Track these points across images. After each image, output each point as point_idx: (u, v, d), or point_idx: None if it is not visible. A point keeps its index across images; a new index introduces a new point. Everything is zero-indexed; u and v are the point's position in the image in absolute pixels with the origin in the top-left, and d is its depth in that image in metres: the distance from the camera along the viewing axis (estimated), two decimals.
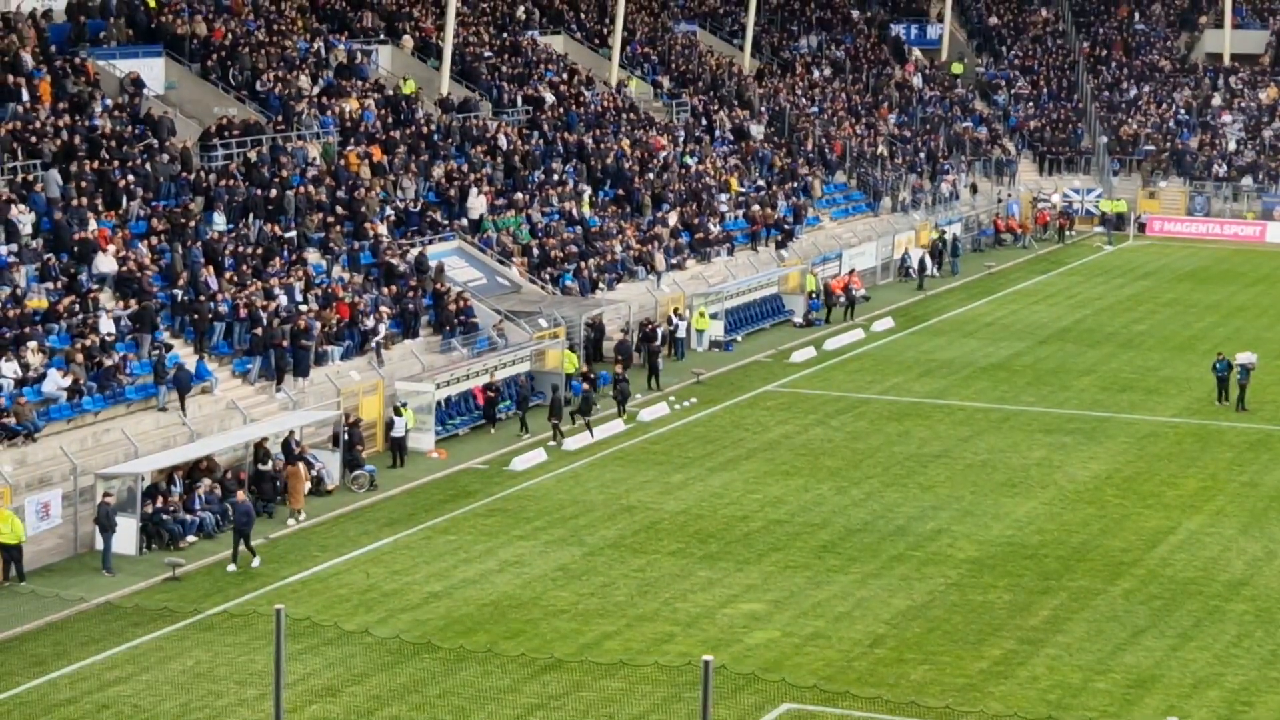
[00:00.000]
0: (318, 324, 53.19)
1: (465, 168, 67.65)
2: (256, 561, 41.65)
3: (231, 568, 41.43)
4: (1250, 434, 54.28)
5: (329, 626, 36.72)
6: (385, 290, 57.30)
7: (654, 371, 59.73)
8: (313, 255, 57.58)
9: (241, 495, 42.84)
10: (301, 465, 46.29)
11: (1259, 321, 72.29)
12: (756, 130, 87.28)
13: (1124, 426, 55.12)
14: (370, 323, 54.92)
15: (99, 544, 41.47)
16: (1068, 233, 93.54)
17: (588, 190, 72.10)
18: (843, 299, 72.19)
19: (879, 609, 38.78)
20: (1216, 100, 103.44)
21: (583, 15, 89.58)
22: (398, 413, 50.48)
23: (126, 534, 42.03)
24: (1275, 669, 35.45)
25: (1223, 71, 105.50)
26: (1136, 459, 51.40)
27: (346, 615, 37.95)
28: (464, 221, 64.90)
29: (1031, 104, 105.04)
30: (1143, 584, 40.60)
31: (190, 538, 43.24)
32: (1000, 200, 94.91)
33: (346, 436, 48.74)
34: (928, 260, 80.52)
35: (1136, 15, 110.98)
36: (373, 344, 54.51)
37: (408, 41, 75.47)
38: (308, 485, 46.47)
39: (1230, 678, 34.98)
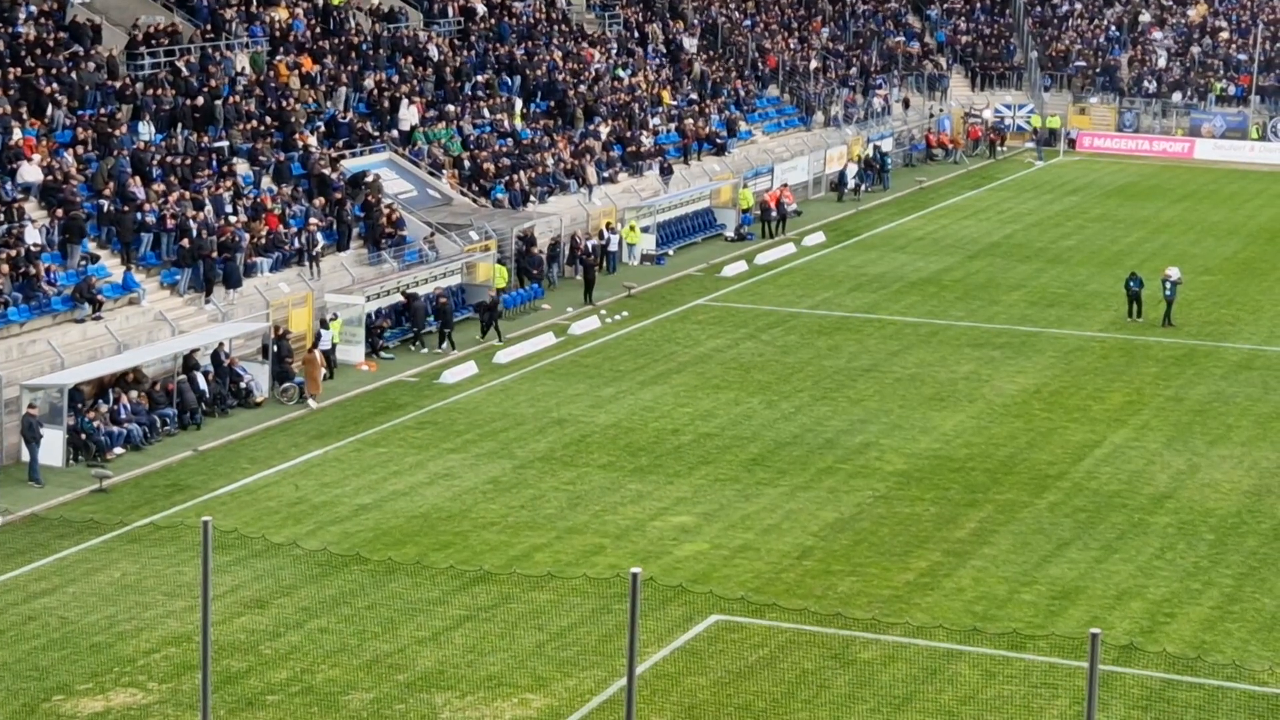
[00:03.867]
0: (246, 235, 52.85)
1: (396, 79, 67.18)
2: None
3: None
4: (1175, 349, 54.68)
5: (257, 539, 36.67)
6: (315, 202, 56.94)
7: (589, 285, 59.67)
8: (241, 166, 57.14)
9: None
10: (319, 353, 48.13)
11: (1185, 237, 72.73)
12: (689, 43, 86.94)
13: (1051, 341, 55.45)
14: (303, 238, 54.57)
15: (25, 455, 41.23)
16: (999, 148, 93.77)
17: (519, 102, 71.72)
18: (774, 213, 72.20)
19: (807, 521, 38.99)
20: (1146, 17, 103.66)
21: None
22: (325, 325, 50.28)
23: (53, 446, 41.79)
24: (1197, 581, 35.85)
25: None
26: (1063, 373, 51.73)
27: (275, 528, 37.90)
28: (394, 133, 64.50)
29: (963, 19, 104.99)
30: (1068, 497, 40.94)
31: (118, 449, 43.03)
32: (932, 115, 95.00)
33: (275, 349, 48.54)
34: (849, 172, 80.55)
35: None
36: (311, 255, 54.20)
37: None
38: (324, 372, 48.19)
39: (1153, 589, 35.35)
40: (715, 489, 41.11)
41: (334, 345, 50.28)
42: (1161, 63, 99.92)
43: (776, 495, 40.76)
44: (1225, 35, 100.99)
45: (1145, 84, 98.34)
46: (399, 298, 54.07)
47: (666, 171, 71.16)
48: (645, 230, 66.74)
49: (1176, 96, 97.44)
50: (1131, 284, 57.99)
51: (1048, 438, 45.54)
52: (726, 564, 36.36)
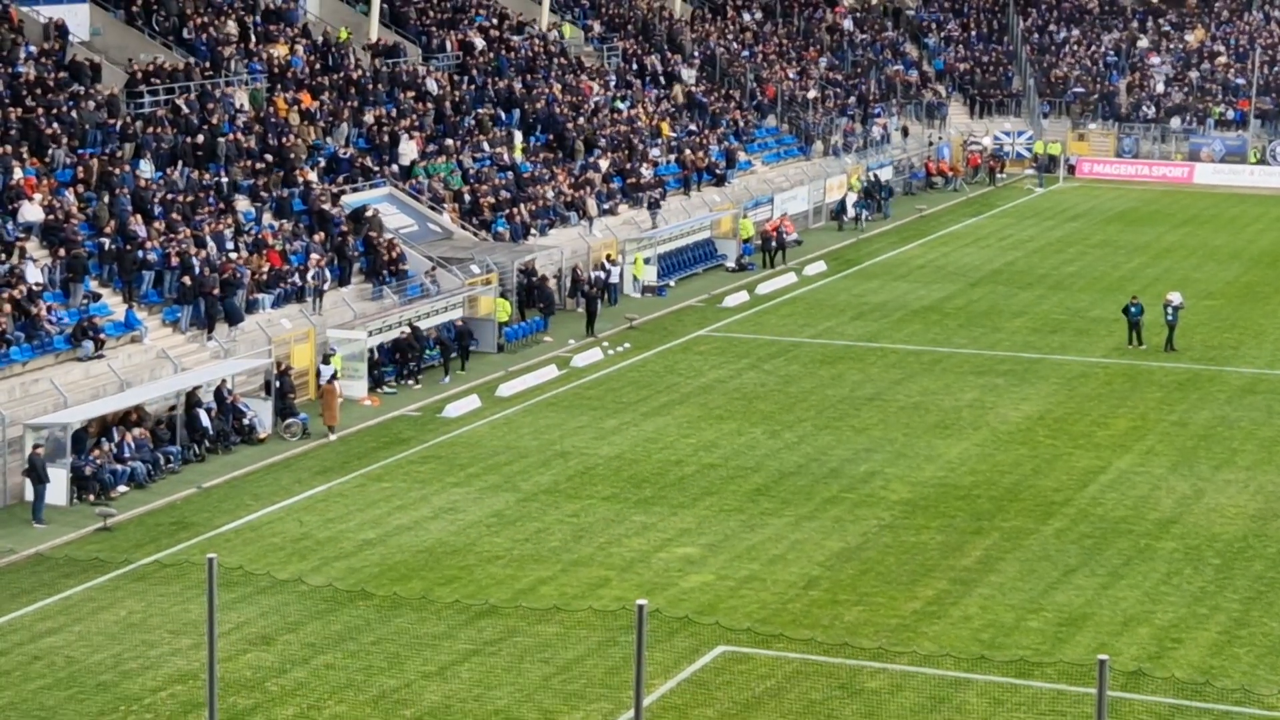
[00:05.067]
0: (248, 271, 52.88)
1: (395, 113, 67.29)
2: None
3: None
4: (1178, 374, 54.65)
5: (262, 575, 36.60)
6: (316, 237, 56.97)
7: (591, 317, 59.68)
8: (242, 202, 57.19)
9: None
10: (336, 384, 48.58)
11: (1187, 262, 72.73)
12: (688, 75, 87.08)
13: (1055, 367, 55.41)
14: (309, 274, 54.54)
15: (29, 495, 41.19)
16: (998, 175, 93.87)
17: (519, 135, 71.81)
18: (774, 243, 72.22)
19: (813, 551, 38.93)
20: (1144, 42, 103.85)
21: None
22: (326, 360, 50.26)
23: (57, 484, 41.73)
24: (1204, 606, 35.78)
25: (1151, 13, 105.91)
26: (1067, 399, 51.69)
27: (280, 564, 37.83)
28: (394, 168, 64.58)
29: (962, 46, 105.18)
30: (1074, 523, 40.87)
31: (121, 487, 42.99)
32: (931, 143, 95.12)
33: (278, 384, 48.52)
34: (848, 202, 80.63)
35: None
36: (313, 291, 54.24)
37: None
38: (340, 400, 48.51)
39: (1160, 615, 35.28)
40: (720, 520, 41.06)
41: (336, 378, 50.22)
42: (1160, 88, 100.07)
43: (781, 525, 40.69)
44: (1223, 60, 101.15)
45: (1144, 109, 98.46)
46: (400, 333, 54.00)
47: (654, 206, 71.03)
48: (647, 261, 66.76)
49: (1175, 121, 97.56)
50: (1132, 310, 57.92)
51: (1052, 464, 45.49)
52: (732, 595, 36.29)
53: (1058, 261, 72.59)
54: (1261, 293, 66.85)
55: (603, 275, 63.33)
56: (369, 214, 59.06)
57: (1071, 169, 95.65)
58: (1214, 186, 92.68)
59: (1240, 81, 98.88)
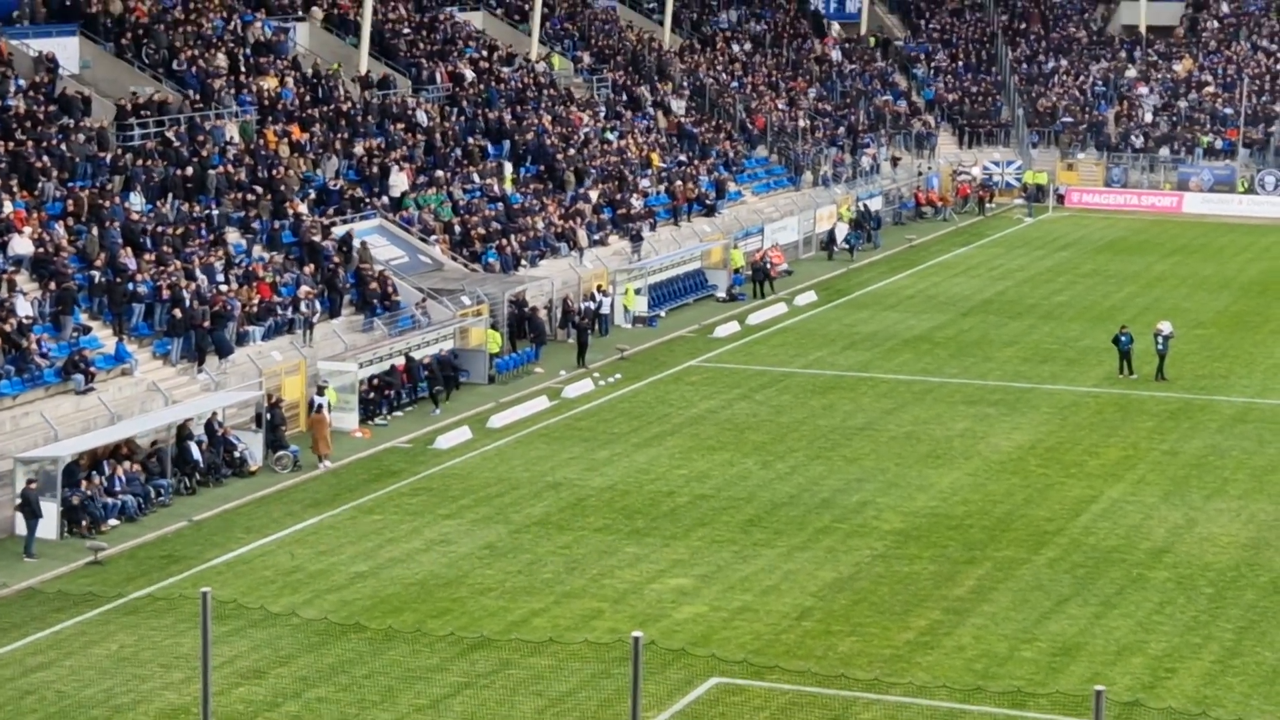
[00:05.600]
0: (238, 304, 52.84)
1: (385, 145, 67.33)
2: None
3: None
4: (1170, 403, 54.68)
5: (255, 609, 36.50)
6: (307, 269, 56.95)
7: (582, 348, 59.66)
8: (232, 235, 57.17)
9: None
10: (326, 413, 48.47)
11: (1177, 291, 72.83)
12: (678, 105, 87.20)
13: (1046, 397, 55.43)
14: (299, 306, 54.50)
15: (19, 529, 41.08)
16: (988, 205, 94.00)
17: (509, 167, 71.85)
18: (764, 273, 72.20)
19: (806, 582, 38.87)
20: (1132, 72, 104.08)
21: None
22: (320, 392, 50.19)
23: (47, 518, 41.63)
24: (1197, 635, 35.75)
25: (1138, 43, 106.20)
26: (1059, 429, 51.69)
27: (272, 597, 37.74)
28: (385, 199, 64.59)
29: (950, 77, 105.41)
30: (1066, 553, 40.85)
31: (112, 521, 42.88)
32: (920, 173, 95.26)
33: (269, 417, 48.45)
34: (838, 232, 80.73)
35: None
36: (303, 323, 54.21)
37: (316, 14, 74.90)
38: (330, 429, 48.45)
39: (1153, 644, 35.24)
40: (712, 551, 40.99)
41: (329, 412, 50.16)
42: (1148, 117, 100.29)
43: (774, 556, 40.64)
44: (1211, 89, 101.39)
45: (1132, 139, 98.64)
46: (391, 364, 53.99)
47: (636, 238, 70.98)
48: (638, 292, 66.78)
49: (1164, 151, 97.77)
50: (1122, 340, 57.94)
51: (1045, 494, 45.47)
52: (726, 626, 36.22)
53: (1048, 291, 72.67)
54: (1251, 322, 66.93)
55: (593, 306, 63.34)
56: (357, 244, 59.05)
57: (1060, 199, 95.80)
58: (1203, 216, 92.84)
59: (1228, 111, 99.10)
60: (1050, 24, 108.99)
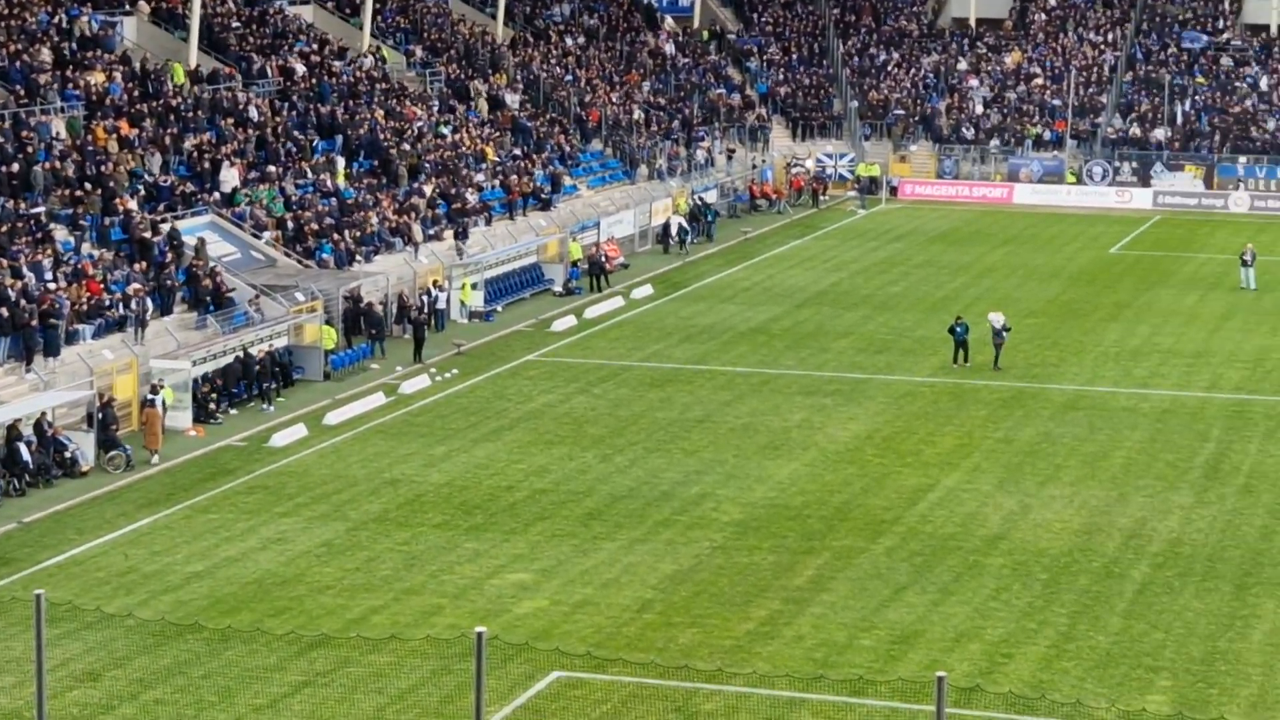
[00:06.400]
0: (68, 302, 51.96)
1: (216, 140, 66.51)
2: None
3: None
4: (1003, 391, 55.34)
5: (90, 610, 35.89)
6: (137, 267, 56.11)
7: (419, 343, 59.30)
8: (60, 232, 56.20)
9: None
10: (159, 406, 47.87)
11: (1009, 281, 73.76)
12: (511, 99, 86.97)
13: (882, 387, 55.89)
14: (132, 304, 53.68)
15: None
16: (822, 197, 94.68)
17: (341, 161, 71.26)
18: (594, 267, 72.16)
19: (646, 574, 38.89)
20: (963, 65, 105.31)
21: None
22: (154, 391, 49.45)
23: None
24: (1033, 620, 36.18)
25: (969, 36, 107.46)
26: (895, 418, 52.14)
27: (106, 598, 37.13)
28: (216, 195, 63.80)
29: (783, 70, 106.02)
30: (904, 541, 41.19)
31: None
32: (754, 166, 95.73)
33: (100, 416, 47.68)
34: (684, 225, 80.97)
35: None
36: (135, 321, 53.42)
37: (144, 7, 73.86)
38: (163, 424, 47.76)
39: (990, 630, 35.62)
40: (552, 545, 40.90)
41: (165, 409, 49.44)
42: (979, 109, 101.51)
43: (614, 549, 40.63)
44: (1040, 81, 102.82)
45: (963, 131, 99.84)
46: (229, 360, 53.35)
47: (462, 235, 70.59)
48: (474, 287, 66.52)
49: (994, 143, 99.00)
50: (957, 330, 58.55)
51: (881, 483, 45.83)
52: (567, 620, 36.14)
53: (882, 282, 73.32)
54: (1081, 310, 67.93)
55: (429, 300, 62.98)
56: (190, 242, 58.34)
57: (894, 191, 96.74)
58: (1033, 206, 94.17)
59: (1056, 103, 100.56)
60: (881, 17, 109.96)
